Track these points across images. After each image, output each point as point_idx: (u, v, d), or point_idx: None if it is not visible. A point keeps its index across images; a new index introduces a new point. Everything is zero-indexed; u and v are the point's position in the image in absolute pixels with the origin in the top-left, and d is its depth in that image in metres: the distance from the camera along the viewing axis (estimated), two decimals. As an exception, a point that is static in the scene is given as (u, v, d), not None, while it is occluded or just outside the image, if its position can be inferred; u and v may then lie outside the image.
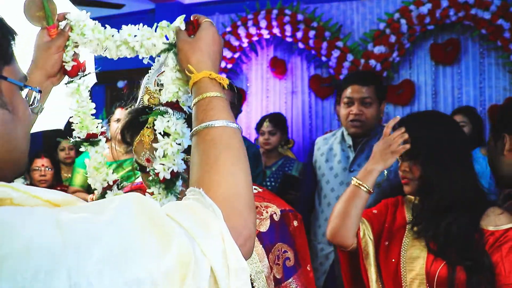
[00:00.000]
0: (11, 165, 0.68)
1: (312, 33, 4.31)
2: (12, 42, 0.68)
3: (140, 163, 1.06)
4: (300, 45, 4.45)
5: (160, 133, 0.97)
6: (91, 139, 1.13)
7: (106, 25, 1.05)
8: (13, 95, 0.68)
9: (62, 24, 1.07)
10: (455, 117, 3.03)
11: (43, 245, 0.50)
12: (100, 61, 2.46)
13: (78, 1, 3.03)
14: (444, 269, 1.35)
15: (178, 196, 0.98)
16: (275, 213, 1.15)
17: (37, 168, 3.51)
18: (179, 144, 0.96)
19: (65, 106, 1.38)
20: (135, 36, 1.01)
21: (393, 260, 1.47)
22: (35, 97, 0.76)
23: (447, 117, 1.69)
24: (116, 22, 5.44)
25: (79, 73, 1.08)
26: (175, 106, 0.96)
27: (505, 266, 1.30)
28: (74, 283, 0.50)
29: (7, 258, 0.48)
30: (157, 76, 1.03)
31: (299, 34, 4.36)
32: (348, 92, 2.26)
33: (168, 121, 0.96)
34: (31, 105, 0.76)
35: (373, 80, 2.32)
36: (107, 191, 1.15)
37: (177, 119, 0.96)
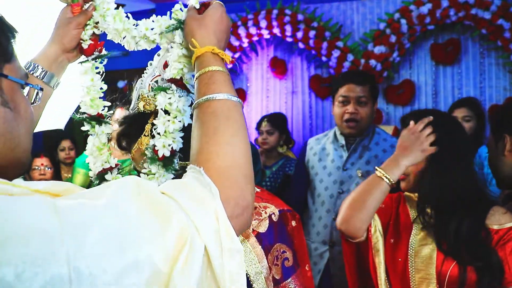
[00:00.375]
0: (14, 162, 0.68)
1: (312, 33, 4.30)
2: (13, 40, 0.68)
3: (140, 171, 1.05)
4: (300, 45, 4.45)
5: (161, 109, 0.95)
6: (99, 118, 1.10)
7: (129, 15, 1.05)
8: (15, 93, 0.68)
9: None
10: (458, 110, 2.93)
11: (41, 230, 0.51)
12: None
13: (78, 1, 3.03)
14: (455, 269, 1.35)
15: (175, 174, 0.98)
16: (273, 213, 1.14)
17: (36, 167, 3.52)
18: (180, 121, 0.95)
19: (65, 106, 1.38)
20: (152, 29, 1.00)
21: (400, 259, 1.46)
22: (37, 95, 0.76)
23: (448, 116, 1.69)
24: (116, 22, 5.28)
25: (94, 53, 1.08)
26: (179, 83, 0.96)
27: (510, 264, 1.31)
28: (73, 267, 0.50)
29: (6, 244, 0.49)
30: (151, 81, 1.01)
31: (299, 34, 4.36)
32: (344, 90, 2.27)
33: (170, 97, 0.94)
34: (33, 102, 0.76)
35: (368, 80, 2.34)
36: (108, 172, 1.13)
37: (180, 96, 0.95)
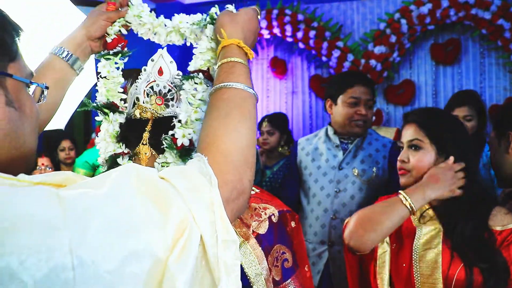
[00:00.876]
0: (20, 161, 0.69)
1: (312, 33, 4.31)
2: (17, 38, 0.68)
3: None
4: (301, 45, 4.46)
5: (186, 98, 0.96)
6: (113, 106, 1.10)
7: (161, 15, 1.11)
8: (20, 92, 0.68)
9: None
10: (459, 109, 2.72)
11: (45, 219, 0.51)
12: (100, 61, 2.47)
13: (79, 1, 3.03)
14: (462, 271, 1.34)
15: None
16: (273, 214, 1.14)
17: (37, 167, 3.53)
18: (202, 112, 0.95)
19: (65, 106, 1.38)
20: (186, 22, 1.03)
21: (404, 264, 1.44)
22: (42, 93, 0.77)
23: (450, 116, 1.66)
24: (116, 22, 5.28)
25: (116, 48, 1.10)
26: (205, 74, 0.97)
27: None
28: (76, 256, 0.50)
29: (10, 232, 0.49)
30: (145, 86, 1.00)
31: (299, 34, 4.36)
32: (355, 92, 2.29)
33: (196, 88, 0.95)
34: (39, 101, 0.76)
35: (373, 83, 2.43)
36: (120, 156, 1.12)
37: (207, 86, 0.96)
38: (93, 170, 2.94)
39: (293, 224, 1.19)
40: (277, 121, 3.70)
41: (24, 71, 0.70)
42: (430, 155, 1.45)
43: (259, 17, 0.99)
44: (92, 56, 2.37)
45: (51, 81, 1.01)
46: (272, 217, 1.13)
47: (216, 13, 0.99)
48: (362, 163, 2.30)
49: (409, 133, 1.51)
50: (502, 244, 1.34)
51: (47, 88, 0.77)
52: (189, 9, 4.95)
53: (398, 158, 1.53)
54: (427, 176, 1.41)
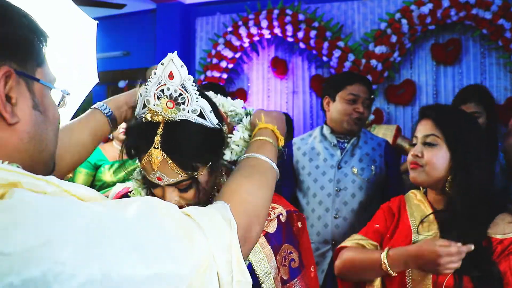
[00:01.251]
0: (41, 165, 0.71)
1: (313, 33, 4.31)
2: (45, 45, 0.71)
3: (152, 180, 1.05)
4: (301, 45, 4.46)
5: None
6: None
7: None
8: (44, 97, 0.70)
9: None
10: (465, 106, 2.51)
11: (82, 233, 0.53)
12: (101, 60, 2.48)
13: (80, 0, 3.03)
14: (451, 279, 1.30)
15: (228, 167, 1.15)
16: (281, 214, 1.14)
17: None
18: None
19: (66, 107, 1.39)
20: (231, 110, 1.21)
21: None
22: (63, 99, 0.79)
23: (468, 116, 1.58)
24: (117, 22, 5.46)
25: None
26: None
27: None
28: (104, 272, 0.52)
29: (49, 244, 0.51)
30: (156, 90, 1.00)
31: (300, 34, 4.36)
32: (354, 89, 2.32)
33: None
34: (58, 105, 0.79)
35: (370, 83, 2.46)
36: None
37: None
38: (94, 170, 2.94)
39: (299, 224, 1.20)
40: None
41: (49, 76, 0.72)
42: (445, 153, 1.42)
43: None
44: (95, 58, 2.38)
45: (90, 129, 1.12)
46: (281, 216, 1.14)
47: (252, 109, 1.17)
48: (360, 161, 2.32)
49: (425, 128, 1.48)
50: (502, 253, 1.29)
51: (68, 94, 0.80)
52: (190, 9, 4.95)
53: (411, 153, 1.49)
54: (420, 250, 1.28)
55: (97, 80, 2.33)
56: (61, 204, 0.55)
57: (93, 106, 1.16)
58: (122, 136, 3.45)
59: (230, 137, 1.11)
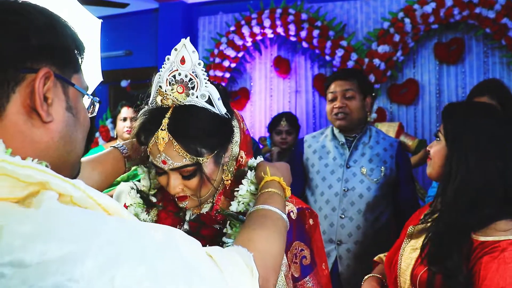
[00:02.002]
0: (68, 166, 0.74)
1: (316, 32, 4.31)
2: (82, 55, 0.77)
3: (157, 164, 1.06)
4: (304, 44, 4.46)
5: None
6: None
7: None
8: (78, 101, 0.75)
9: None
10: (478, 99, 2.35)
11: (98, 254, 0.53)
12: (103, 59, 2.48)
13: (87, 0, 3.03)
14: (425, 274, 1.32)
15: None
16: (292, 211, 1.15)
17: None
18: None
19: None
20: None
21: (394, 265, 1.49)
22: (93, 106, 0.84)
23: (478, 117, 1.45)
24: (120, 21, 5.46)
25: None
26: (244, 215, 1.10)
27: (486, 276, 1.20)
28: None
29: (64, 258, 0.51)
30: (168, 75, 1.03)
31: (303, 33, 4.36)
32: (331, 88, 2.40)
33: (236, 225, 1.09)
34: (90, 113, 0.83)
35: (354, 75, 2.43)
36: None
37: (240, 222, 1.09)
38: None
39: (311, 221, 1.20)
40: (294, 120, 3.69)
41: (83, 84, 0.77)
42: (443, 147, 1.43)
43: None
44: (98, 56, 2.38)
45: (110, 166, 1.19)
46: (291, 214, 1.14)
47: (256, 162, 1.18)
48: (370, 162, 2.30)
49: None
50: (479, 254, 1.24)
51: (99, 102, 0.85)
52: (193, 9, 4.96)
53: (427, 147, 1.55)
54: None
55: (101, 79, 2.33)
56: (87, 218, 0.55)
57: (113, 145, 1.25)
58: (127, 135, 3.46)
59: (237, 191, 1.14)
